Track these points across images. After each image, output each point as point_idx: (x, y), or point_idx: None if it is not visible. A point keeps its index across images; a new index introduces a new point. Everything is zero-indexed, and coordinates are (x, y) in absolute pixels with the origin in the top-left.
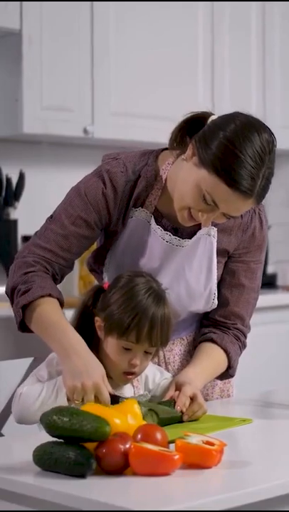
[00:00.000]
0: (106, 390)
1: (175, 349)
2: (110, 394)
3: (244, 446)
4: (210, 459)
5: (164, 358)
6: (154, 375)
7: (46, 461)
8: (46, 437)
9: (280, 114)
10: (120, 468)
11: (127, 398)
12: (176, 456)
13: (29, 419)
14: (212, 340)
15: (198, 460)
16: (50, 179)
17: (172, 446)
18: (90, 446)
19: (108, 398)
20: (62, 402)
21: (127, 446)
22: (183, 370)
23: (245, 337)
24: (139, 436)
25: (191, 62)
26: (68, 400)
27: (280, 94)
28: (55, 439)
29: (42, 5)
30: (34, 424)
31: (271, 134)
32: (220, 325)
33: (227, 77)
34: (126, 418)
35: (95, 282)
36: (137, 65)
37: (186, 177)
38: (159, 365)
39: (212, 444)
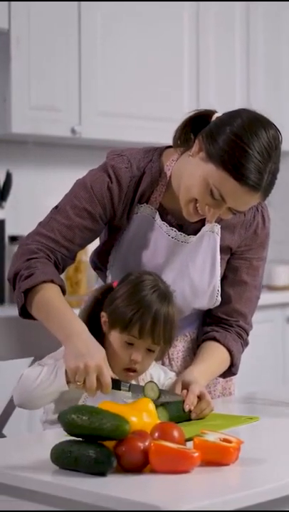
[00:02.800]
0: (108, 372)
1: (179, 345)
2: (111, 377)
3: (256, 443)
4: (228, 456)
5: (168, 354)
6: (158, 375)
7: (65, 459)
8: (56, 436)
9: (264, 112)
10: (140, 466)
11: (128, 382)
12: (196, 454)
13: (28, 400)
14: (215, 339)
15: (217, 457)
16: (37, 179)
17: (188, 443)
18: (108, 444)
19: (109, 380)
20: (61, 382)
21: (146, 444)
22: (187, 369)
23: (248, 334)
24: (156, 434)
25: (177, 62)
26: (68, 382)
27: (264, 94)
28: (71, 438)
29: (30, 5)
30: (33, 409)
31: (277, 130)
32: (222, 322)
33: (212, 77)
34: (141, 416)
35: (94, 282)
36: (123, 65)
37: (193, 172)
38: (162, 361)
39: (229, 442)
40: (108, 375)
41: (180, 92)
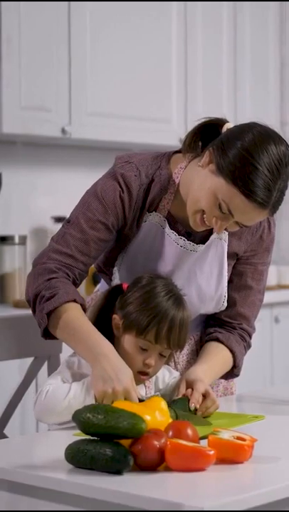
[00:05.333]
0: (135, 394)
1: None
2: (138, 398)
3: (266, 441)
4: (242, 454)
5: (174, 356)
6: (163, 375)
7: (81, 458)
8: (64, 436)
9: (250, 112)
10: (155, 464)
11: None
12: (212, 452)
13: (51, 417)
14: (218, 340)
15: (231, 455)
16: (27, 179)
17: (202, 441)
18: (124, 443)
19: (137, 402)
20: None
21: (162, 442)
22: (191, 368)
23: (250, 337)
24: (170, 432)
25: (165, 62)
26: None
27: (249, 94)
28: (83, 437)
29: (20, 5)
30: (53, 423)
31: (287, 146)
32: (226, 325)
33: (200, 78)
34: (154, 415)
35: (83, 284)
36: (113, 65)
37: (202, 183)
38: (167, 363)
39: (243, 440)
40: (136, 397)
41: (169, 93)
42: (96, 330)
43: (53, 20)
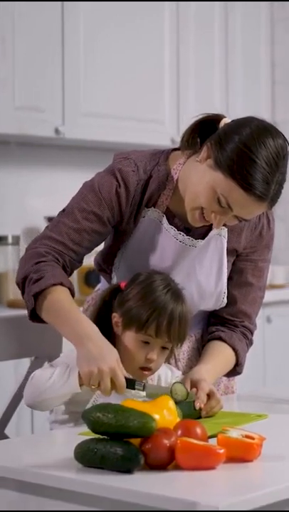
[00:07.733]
0: (121, 373)
1: (184, 346)
2: (125, 377)
3: (271, 439)
4: (251, 452)
5: (174, 354)
6: (166, 374)
7: (91, 457)
8: (68, 436)
9: (241, 112)
10: (165, 463)
11: (142, 382)
12: (222, 450)
13: (39, 401)
14: (220, 339)
15: (241, 454)
16: (21, 179)
17: (210, 440)
18: (133, 441)
19: (124, 381)
20: (74, 384)
21: (172, 441)
22: (194, 367)
23: (252, 334)
24: (179, 431)
25: (157, 63)
26: (81, 384)
27: (241, 94)
28: (88, 437)
29: (15, 5)
30: (43, 410)
31: (285, 139)
32: (227, 323)
33: (192, 78)
34: (163, 413)
35: (74, 283)
36: (106, 66)
37: (200, 178)
38: (169, 361)
39: (252, 438)
40: (122, 376)
41: (161, 93)
42: (81, 312)
43: (47, 21)
